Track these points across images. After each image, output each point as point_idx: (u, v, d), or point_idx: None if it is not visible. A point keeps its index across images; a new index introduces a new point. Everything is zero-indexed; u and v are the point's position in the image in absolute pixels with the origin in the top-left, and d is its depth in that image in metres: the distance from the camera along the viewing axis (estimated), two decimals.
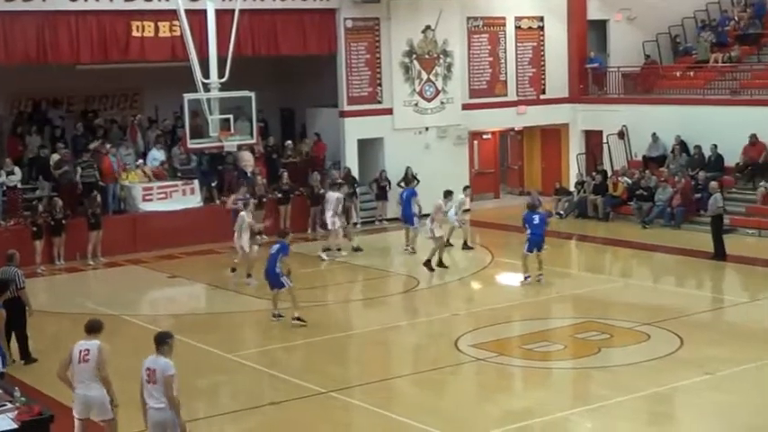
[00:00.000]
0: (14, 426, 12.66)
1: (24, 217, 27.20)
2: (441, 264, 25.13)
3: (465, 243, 27.23)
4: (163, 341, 12.58)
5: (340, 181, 29.88)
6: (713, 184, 27.21)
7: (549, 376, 17.66)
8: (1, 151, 29.67)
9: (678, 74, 35.77)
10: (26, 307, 18.50)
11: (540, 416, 15.15)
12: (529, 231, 23.40)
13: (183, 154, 30.09)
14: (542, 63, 35.79)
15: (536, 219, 23.41)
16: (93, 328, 13.14)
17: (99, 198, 27.63)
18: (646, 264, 27.04)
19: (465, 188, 28.64)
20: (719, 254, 25.51)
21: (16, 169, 28.03)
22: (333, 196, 27.32)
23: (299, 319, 20.24)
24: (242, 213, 24.38)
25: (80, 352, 12.93)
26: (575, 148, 35.93)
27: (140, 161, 29.94)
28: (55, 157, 28.81)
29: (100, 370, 12.90)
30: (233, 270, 24.84)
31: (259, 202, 28.99)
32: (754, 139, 30.35)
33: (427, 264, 24.77)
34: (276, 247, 20.55)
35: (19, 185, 28.03)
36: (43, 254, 26.60)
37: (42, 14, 27.41)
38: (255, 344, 19.64)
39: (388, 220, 32.01)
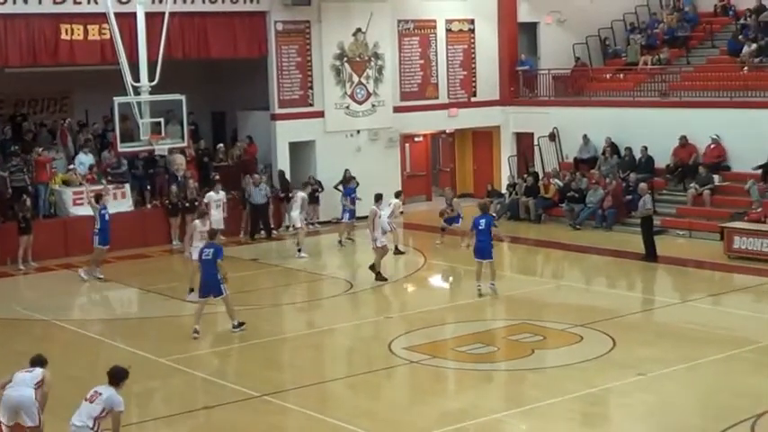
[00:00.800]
0: None
1: None
2: (372, 269, 24.66)
3: (396, 248, 27.17)
4: (119, 379, 12.51)
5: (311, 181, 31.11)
6: (642, 185, 27.59)
7: (483, 378, 17.76)
8: None
9: (608, 76, 36.21)
10: None
11: (474, 417, 15.26)
12: (475, 238, 22.84)
13: (114, 158, 29.87)
14: (473, 66, 36.01)
15: (482, 224, 22.58)
16: (36, 362, 12.84)
17: (29, 202, 27.37)
18: (577, 265, 27.35)
19: (397, 194, 28.66)
20: (650, 255, 25.88)
21: None
22: (299, 195, 28.10)
23: (240, 324, 20.09)
24: (196, 222, 23.22)
25: (23, 370, 12.72)
26: (506, 150, 36.19)
27: (72, 165, 29.66)
28: None
29: (40, 388, 12.67)
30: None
31: (192, 205, 28.93)
32: (684, 141, 30.79)
33: (378, 275, 24.38)
34: (210, 251, 19.98)
35: None
36: None
37: None
38: (188, 348, 19.48)
39: (320, 223, 32.01)
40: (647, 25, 37.23)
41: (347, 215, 29.58)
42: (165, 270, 26.36)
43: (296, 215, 28.01)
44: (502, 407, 15.94)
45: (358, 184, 30.65)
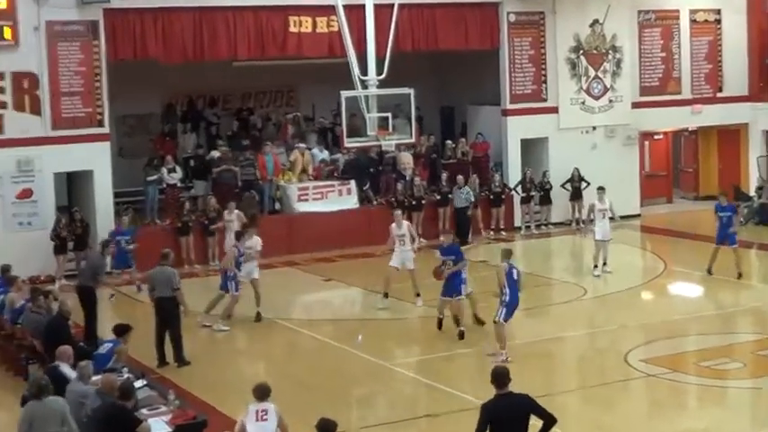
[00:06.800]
0: (169, 429, 13.00)
1: (180, 216, 27.66)
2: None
3: (604, 262, 25.42)
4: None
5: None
6: None
7: (728, 396, 17.19)
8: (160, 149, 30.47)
9: None
10: (181, 307, 18.83)
11: None
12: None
13: (346, 153, 30.21)
14: (719, 59, 34.88)
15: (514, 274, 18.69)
16: (265, 393, 12.57)
17: (257, 198, 28.10)
18: None
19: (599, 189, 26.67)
20: None
21: (177, 167, 28.86)
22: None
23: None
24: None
25: (257, 412, 12.45)
26: (755, 149, 34.91)
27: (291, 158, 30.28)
28: (214, 154, 29.42)
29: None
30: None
31: (418, 203, 29.05)
32: None
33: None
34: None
35: (178, 184, 28.86)
36: (197, 253, 27.19)
37: (199, 11, 27.93)
38: (414, 352, 19.61)
39: (553, 224, 31.62)
40: None
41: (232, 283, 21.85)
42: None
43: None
44: (747, 428, 15.40)
45: (588, 183, 30.09)
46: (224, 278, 21.41)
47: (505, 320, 18.46)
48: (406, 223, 23.34)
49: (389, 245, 22.98)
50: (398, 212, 24.02)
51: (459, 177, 30.18)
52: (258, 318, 21.81)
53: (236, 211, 25.70)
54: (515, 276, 18.45)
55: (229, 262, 21.50)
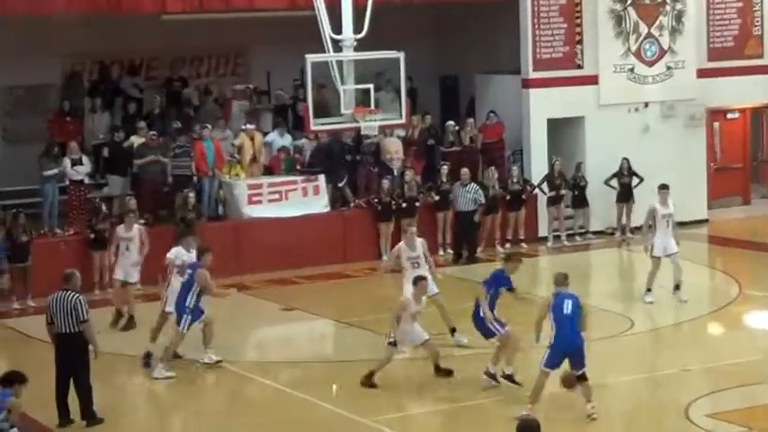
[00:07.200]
0: None
1: (90, 224, 27.57)
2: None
3: (676, 286, 25.48)
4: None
5: None
6: None
7: None
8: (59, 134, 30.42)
9: None
10: (89, 347, 18.68)
11: None
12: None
13: (313, 139, 30.24)
14: None
15: (567, 306, 18.57)
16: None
17: (193, 198, 28.07)
18: None
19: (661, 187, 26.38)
20: None
21: (84, 158, 28.91)
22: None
23: None
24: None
25: None
26: None
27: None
28: (137, 140, 29.42)
29: None
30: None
31: (409, 206, 28.97)
32: None
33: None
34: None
35: (86, 180, 28.92)
36: (112, 272, 27.01)
37: None
38: (402, 405, 19.61)
39: (592, 233, 31.78)
40: None
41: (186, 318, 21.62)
42: (371, 295, 26.48)
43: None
44: None
45: (642, 179, 30.14)
46: (180, 307, 21.08)
47: (546, 367, 18.36)
48: (420, 241, 22.96)
49: (385, 267, 22.93)
50: (413, 229, 23.65)
51: (464, 171, 30.20)
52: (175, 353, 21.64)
53: (138, 225, 24.97)
54: (567, 311, 18.23)
55: (209, 286, 21.17)
